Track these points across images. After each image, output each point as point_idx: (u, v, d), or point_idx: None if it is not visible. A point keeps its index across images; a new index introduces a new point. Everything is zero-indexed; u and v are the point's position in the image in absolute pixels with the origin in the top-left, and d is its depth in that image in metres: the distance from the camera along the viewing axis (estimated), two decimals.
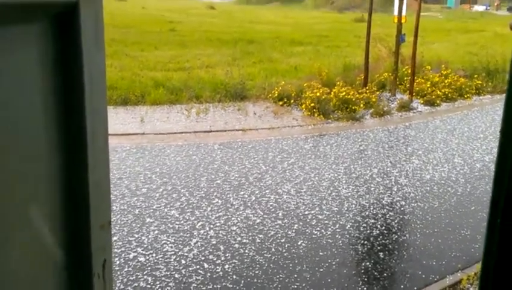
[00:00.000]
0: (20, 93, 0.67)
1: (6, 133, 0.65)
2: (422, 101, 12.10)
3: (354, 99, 11.04)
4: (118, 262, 4.97)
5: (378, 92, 12.13)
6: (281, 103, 11.40)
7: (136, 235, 5.54)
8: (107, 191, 0.83)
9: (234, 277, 4.85)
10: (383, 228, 5.92)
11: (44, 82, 0.71)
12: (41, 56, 0.70)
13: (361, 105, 11.09)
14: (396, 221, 6.13)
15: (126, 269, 4.87)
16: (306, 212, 6.27)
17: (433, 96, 12.19)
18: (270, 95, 11.68)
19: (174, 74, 13.63)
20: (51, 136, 0.74)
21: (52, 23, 0.70)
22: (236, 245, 5.45)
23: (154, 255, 5.16)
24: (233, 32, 23.79)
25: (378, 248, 5.46)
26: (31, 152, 0.71)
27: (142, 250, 5.25)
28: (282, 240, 5.57)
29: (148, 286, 4.64)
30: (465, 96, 12.84)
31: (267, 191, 6.91)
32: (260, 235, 5.68)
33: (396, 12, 12.48)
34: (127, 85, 11.87)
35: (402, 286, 4.85)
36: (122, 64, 14.70)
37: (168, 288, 4.62)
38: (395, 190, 7.01)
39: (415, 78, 12.35)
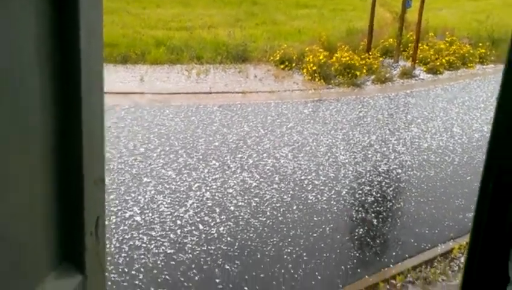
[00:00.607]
0: (16, 48, 0.66)
1: (1, 86, 0.65)
2: (425, 69, 11.98)
3: (356, 65, 10.92)
4: (114, 220, 5.03)
5: (381, 58, 11.99)
6: (282, 66, 11.29)
7: (133, 195, 5.58)
8: (102, 147, 0.82)
9: (229, 239, 4.92)
10: (378, 195, 5.96)
11: (40, 38, 0.70)
12: (38, 14, 0.69)
13: (364, 71, 10.98)
14: (391, 189, 6.17)
15: (122, 228, 4.94)
16: (302, 177, 6.30)
17: (437, 64, 12.06)
18: (271, 58, 11.54)
19: (176, 33, 13.44)
20: (46, 91, 0.72)
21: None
22: (232, 208, 5.50)
23: (150, 214, 5.21)
24: None
25: (372, 215, 5.52)
26: (25, 104, 0.70)
27: (138, 209, 5.30)
28: (278, 205, 5.62)
29: (144, 244, 4.70)
30: (469, 64, 12.70)
31: (264, 154, 6.92)
32: (256, 199, 5.72)
33: None
34: (128, 43, 11.72)
35: (394, 253, 4.93)
36: (123, 21, 14.47)
37: (163, 247, 4.69)
38: (392, 157, 7.03)
39: (419, 44, 12.20)
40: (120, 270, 4.41)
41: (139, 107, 8.48)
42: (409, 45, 12.92)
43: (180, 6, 18.15)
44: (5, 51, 0.65)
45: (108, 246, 4.63)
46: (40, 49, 0.70)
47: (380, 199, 5.88)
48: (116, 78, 9.84)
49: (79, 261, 0.82)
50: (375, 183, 6.24)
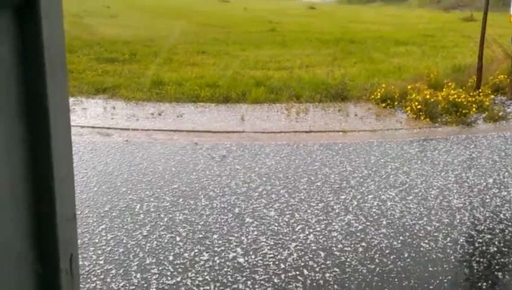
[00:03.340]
0: None
1: None
2: None
3: (465, 103, 10.29)
4: (218, 261, 4.93)
5: (492, 96, 11.22)
6: (383, 104, 10.92)
7: (236, 235, 5.48)
8: (72, 183, 0.84)
9: (336, 287, 4.61)
10: (502, 245, 5.36)
11: (3, 76, 0.71)
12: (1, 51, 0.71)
13: (473, 109, 10.30)
14: None
15: (225, 270, 4.82)
16: (412, 222, 5.86)
17: None
18: (372, 96, 11.23)
19: (275, 73, 13.59)
20: (12, 129, 0.73)
21: (12, 17, 0.71)
22: (338, 253, 5.20)
23: (253, 257, 5.06)
24: (333, 31, 23.38)
25: (497, 267, 4.95)
26: None
27: (241, 251, 5.17)
28: (387, 251, 5.23)
29: (247, 289, 4.54)
30: None
31: (369, 196, 6.58)
32: (362, 244, 5.38)
33: None
34: (229, 83, 12.00)
35: None
36: (224, 63, 14.93)
37: None
38: None
39: None
40: None
41: (240, 146, 8.52)
42: None
43: (278, 47, 18.48)
44: None
45: (212, 289, 4.52)
46: (3, 83, 0.71)
47: (504, 249, 5.29)
48: (218, 118, 10.04)
49: None
50: (497, 231, 5.65)
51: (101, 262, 4.85)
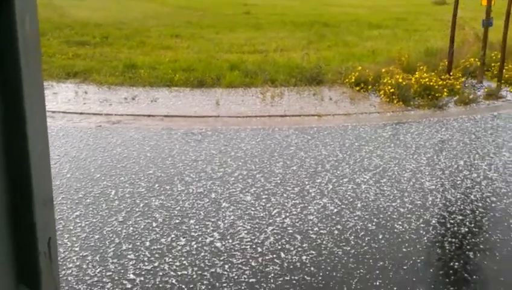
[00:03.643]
0: None
1: None
2: None
3: (436, 86, 10.44)
4: (195, 246, 4.94)
5: (463, 79, 11.41)
6: (357, 88, 11.01)
7: (212, 220, 5.48)
8: (48, 166, 0.84)
9: (312, 269, 4.67)
10: (472, 225, 5.51)
11: None
12: None
13: (445, 92, 10.47)
14: (486, 218, 5.69)
15: (203, 254, 4.82)
16: (386, 204, 5.96)
17: None
18: (346, 79, 11.30)
19: (249, 56, 13.53)
20: None
21: None
22: (314, 235, 5.26)
23: (230, 241, 5.08)
24: (308, 15, 23.33)
25: (468, 247, 5.08)
26: None
27: (218, 235, 5.18)
28: (362, 233, 5.31)
29: (225, 272, 4.56)
30: None
31: (344, 179, 6.65)
32: (338, 226, 5.45)
33: None
34: (203, 67, 11.90)
35: None
36: (198, 46, 14.79)
37: (245, 276, 4.52)
38: (484, 184, 6.53)
39: (504, 64, 11.50)
40: None
41: (215, 131, 8.48)
42: (493, 64, 12.25)
43: (252, 30, 18.36)
44: None
45: (190, 273, 4.53)
46: None
47: (474, 229, 5.43)
48: (192, 102, 9.97)
49: (36, 283, 0.83)
50: (468, 212, 5.79)
51: (77, 249, 4.81)
